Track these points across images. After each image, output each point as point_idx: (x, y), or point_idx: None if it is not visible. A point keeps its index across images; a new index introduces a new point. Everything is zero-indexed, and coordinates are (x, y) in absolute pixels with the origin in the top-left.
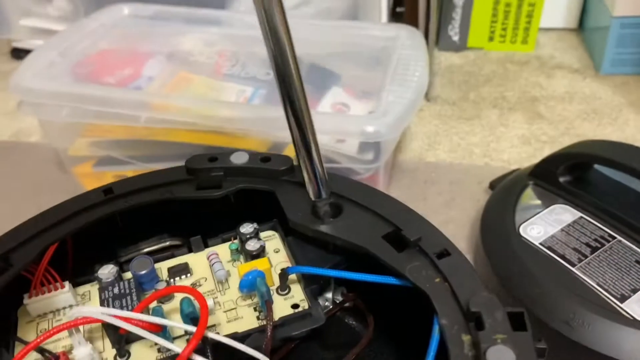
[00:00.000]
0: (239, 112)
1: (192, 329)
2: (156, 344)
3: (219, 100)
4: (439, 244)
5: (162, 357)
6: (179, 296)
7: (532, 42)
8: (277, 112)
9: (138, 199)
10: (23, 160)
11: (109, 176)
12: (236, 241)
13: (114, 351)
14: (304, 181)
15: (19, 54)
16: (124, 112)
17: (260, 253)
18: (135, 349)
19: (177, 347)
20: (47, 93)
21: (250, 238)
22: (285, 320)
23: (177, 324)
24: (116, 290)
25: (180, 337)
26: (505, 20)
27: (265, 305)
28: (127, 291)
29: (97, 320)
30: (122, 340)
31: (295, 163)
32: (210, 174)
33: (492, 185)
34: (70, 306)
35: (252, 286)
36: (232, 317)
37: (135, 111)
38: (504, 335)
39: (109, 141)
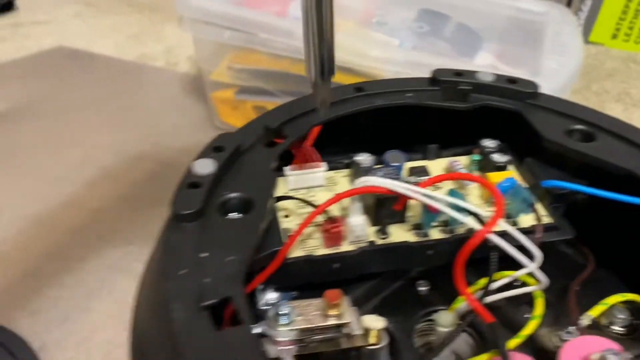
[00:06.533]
0: (391, 54)
1: (482, 212)
2: (413, 227)
3: (372, 39)
4: None
5: (419, 240)
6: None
7: None
8: (430, 59)
9: (385, 100)
10: (151, 81)
11: (247, 105)
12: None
13: (373, 229)
14: (549, 107)
15: None
16: (279, 39)
17: (505, 166)
18: (393, 230)
19: (476, 224)
20: (211, 12)
21: (495, 152)
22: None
23: (471, 206)
24: (381, 174)
25: None
26: (634, 19)
27: (532, 208)
28: (394, 176)
29: (384, 190)
30: (395, 216)
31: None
32: (457, 86)
33: None
34: (320, 186)
35: (508, 192)
36: None
37: (289, 40)
38: None
39: (252, 70)
